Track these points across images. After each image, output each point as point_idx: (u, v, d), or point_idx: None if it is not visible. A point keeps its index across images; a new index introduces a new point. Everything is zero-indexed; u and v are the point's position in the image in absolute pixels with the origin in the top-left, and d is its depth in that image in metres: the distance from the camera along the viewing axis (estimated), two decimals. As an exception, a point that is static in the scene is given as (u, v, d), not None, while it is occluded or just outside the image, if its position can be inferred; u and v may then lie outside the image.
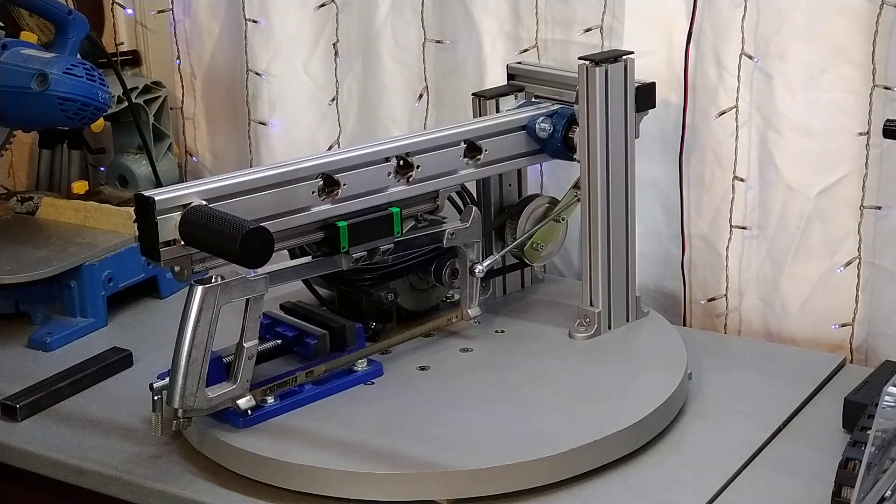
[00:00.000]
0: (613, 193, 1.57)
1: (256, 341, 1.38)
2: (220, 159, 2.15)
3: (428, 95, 1.92)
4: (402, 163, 1.48)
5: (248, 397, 1.39)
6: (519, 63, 1.73)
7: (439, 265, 1.60)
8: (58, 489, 1.47)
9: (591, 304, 1.60)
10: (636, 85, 1.56)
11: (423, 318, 1.63)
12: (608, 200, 1.57)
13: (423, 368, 1.53)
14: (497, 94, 1.67)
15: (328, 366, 1.49)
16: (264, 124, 2.03)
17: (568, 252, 1.82)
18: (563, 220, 1.69)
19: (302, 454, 1.35)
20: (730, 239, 1.72)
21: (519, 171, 1.69)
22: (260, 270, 1.36)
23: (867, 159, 1.60)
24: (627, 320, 1.62)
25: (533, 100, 1.67)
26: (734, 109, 1.67)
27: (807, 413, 1.50)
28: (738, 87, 1.66)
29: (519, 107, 1.65)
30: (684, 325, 1.78)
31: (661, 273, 1.79)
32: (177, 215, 1.31)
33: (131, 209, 1.37)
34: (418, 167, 1.49)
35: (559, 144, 1.58)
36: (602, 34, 1.75)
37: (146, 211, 1.30)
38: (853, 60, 1.58)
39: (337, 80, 1.99)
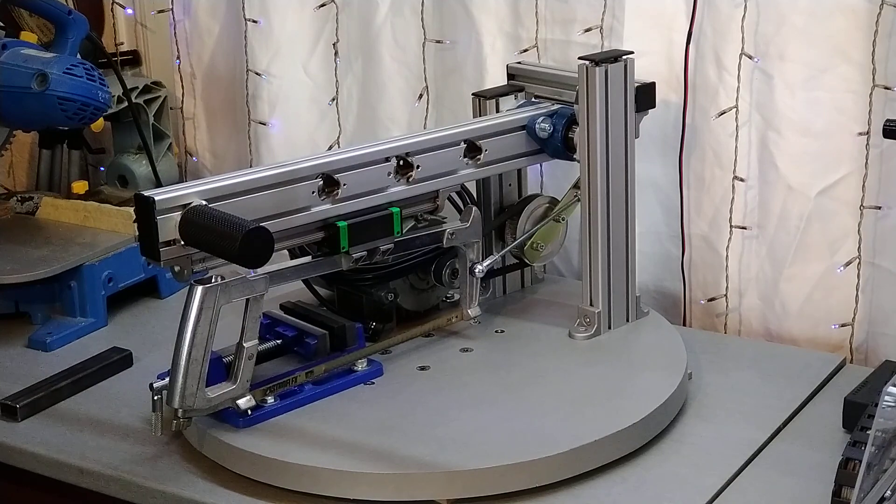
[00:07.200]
0: (613, 193, 1.57)
1: (256, 341, 1.38)
2: (220, 159, 2.15)
3: (428, 95, 1.92)
4: (402, 163, 1.48)
5: (248, 397, 1.39)
6: (519, 63, 1.73)
7: (439, 265, 1.60)
8: (58, 489, 1.47)
9: (591, 304, 1.60)
10: (636, 85, 1.56)
11: (423, 318, 1.63)
12: (608, 200, 1.57)
13: (423, 368, 1.53)
14: (497, 94, 1.67)
15: (328, 366, 1.49)
16: (264, 124, 2.03)
17: (568, 252, 1.82)
18: (563, 220, 1.69)
19: (302, 454, 1.35)
20: (730, 239, 1.72)
21: (519, 171, 1.69)
22: (260, 270, 1.36)
23: (867, 159, 1.60)
24: (627, 320, 1.62)
25: (533, 100, 1.67)
26: (734, 109, 1.67)
27: (807, 413, 1.50)
28: (738, 87, 1.66)
29: (519, 107, 1.65)
30: (684, 325, 1.78)
31: (661, 273, 1.79)
32: (177, 215, 1.31)
33: (131, 209, 1.37)
34: (418, 167, 1.49)
35: (559, 144, 1.58)
36: (602, 34, 1.75)
37: (146, 211, 1.30)
38: (853, 60, 1.58)
39: (337, 80, 1.99)
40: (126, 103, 1.98)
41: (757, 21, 1.63)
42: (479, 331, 1.62)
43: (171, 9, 2.10)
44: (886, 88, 1.56)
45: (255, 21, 1.99)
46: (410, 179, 1.49)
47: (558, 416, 1.41)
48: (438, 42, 1.89)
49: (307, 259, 1.46)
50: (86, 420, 1.53)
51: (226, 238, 1.25)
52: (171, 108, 2.11)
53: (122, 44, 2.21)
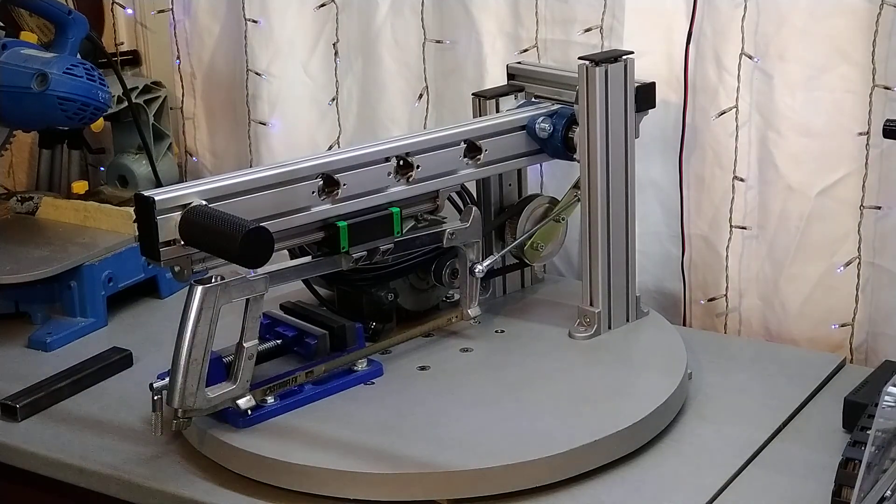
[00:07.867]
0: (613, 193, 1.57)
1: (256, 341, 1.38)
2: (220, 159, 2.15)
3: (428, 95, 1.92)
4: (402, 163, 1.48)
5: (248, 397, 1.39)
6: (519, 63, 1.73)
7: (439, 265, 1.60)
8: (58, 489, 1.47)
9: (591, 304, 1.60)
10: (636, 85, 1.56)
11: (423, 318, 1.63)
12: (608, 200, 1.57)
13: (423, 368, 1.53)
14: (497, 94, 1.67)
15: (328, 366, 1.49)
16: (264, 124, 2.03)
17: (568, 252, 1.82)
18: (563, 220, 1.69)
19: (302, 454, 1.35)
20: (730, 239, 1.72)
21: (519, 171, 1.69)
22: (260, 270, 1.36)
23: (867, 159, 1.60)
24: (627, 320, 1.62)
25: (533, 100, 1.67)
26: (734, 109, 1.67)
27: (807, 413, 1.50)
28: (738, 87, 1.66)
29: (519, 107, 1.65)
30: (684, 325, 1.78)
31: (661, 273, 1.79)
32: (177, 215, 1.31)
33: (131, 209, 1.37)
34: (418, 167, 1.49)
35: (559, 144, 1.58)
36: (602, 34, 1.75)
37: (146, 211, 1.30)
38: (853, 60, 1.58)
39: (337, 80, 1.99)
40: (126, 103, 1.98)
41: (757, 21, 1.63)
42: (479, 331, 1.62)
43: (171, 9, 2.10)
44: (886, 88, 1.56)
45: (255, 21, 1.99)
46: (410, 179, 1.49)
47: (558, 416, 1.41)
48: (438, 42, 1.89)
49: (307, 259, 1.46)
50: (86, 420, 1.53)
51: (226, 238, 1.25)
52: (171, 108, 2.11)
53: (122, 44, 2.21)
